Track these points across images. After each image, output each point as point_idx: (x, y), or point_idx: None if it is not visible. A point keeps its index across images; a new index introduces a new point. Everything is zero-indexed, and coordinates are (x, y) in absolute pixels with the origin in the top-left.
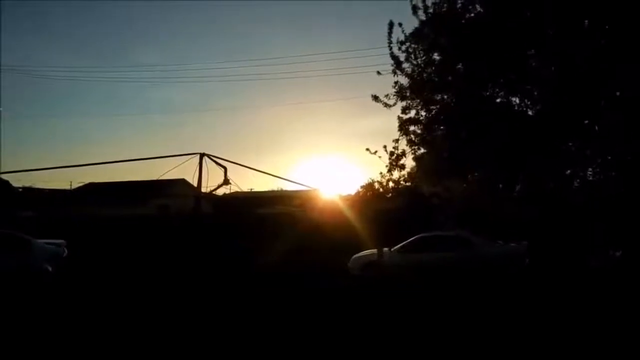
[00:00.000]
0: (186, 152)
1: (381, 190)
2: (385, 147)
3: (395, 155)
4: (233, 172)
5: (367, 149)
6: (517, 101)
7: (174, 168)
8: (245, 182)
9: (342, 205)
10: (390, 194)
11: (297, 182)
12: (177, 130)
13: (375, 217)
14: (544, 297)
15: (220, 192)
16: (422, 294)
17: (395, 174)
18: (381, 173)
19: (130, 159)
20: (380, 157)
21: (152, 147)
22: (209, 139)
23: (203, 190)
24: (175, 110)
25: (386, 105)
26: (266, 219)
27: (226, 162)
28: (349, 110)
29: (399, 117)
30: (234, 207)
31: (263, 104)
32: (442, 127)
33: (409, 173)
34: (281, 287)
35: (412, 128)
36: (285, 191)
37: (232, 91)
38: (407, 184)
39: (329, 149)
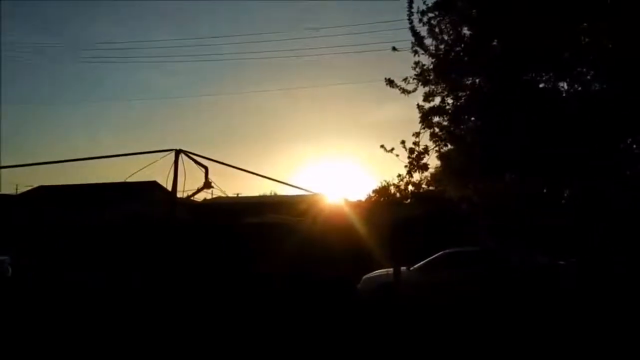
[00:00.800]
0: (159, 149)
1: (398, 195)
2: (403, 143)
3: (415, 152)
4: (217, 174)
5: (382, 146)
6: (566, 87)
7: (144, 168)
8: (232, 185)
9: (349, 213)
10: (409, 200)
11: (296, 185)
12: (154, 121)
13: (391, 227)
14: (599, 324)
15: (201, 197)
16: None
17: (416, 176)
18: (399, 175)
19: (85, 157)
20: (397, 155)
21: (126, 142)
22: (190, 133)
23: (179, 195)
24: (153, 98)
25: (404, 91)
26: (254, 230)
27: (208, 162)
28: (358, 98)
29: (420, 107)
30: (215, 215)
31: (255, 89)
32: (472, 118)
33: (432, 174)
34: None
35: (436, 119)
36: (281, 196)
37: (219, 74)
38: (430, 187)
39: (333, 145)
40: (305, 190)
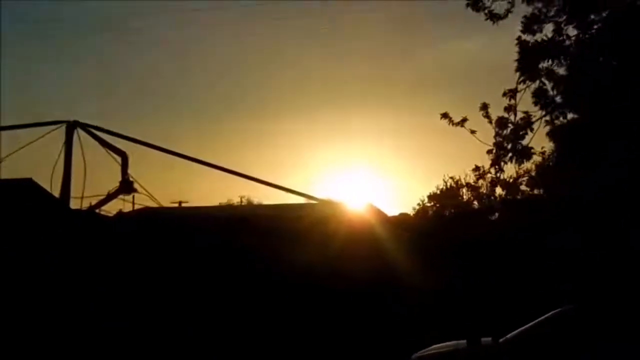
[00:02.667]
0: (43, 121)
1: (475, 203)
2: (485, 108)
3: (509, 126)
4: (145, 168)
5: (445, 116)
6: None
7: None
8: (178, 188)
9: (384, 236)
10: (496, 212)
11: (286, 188)
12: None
13: (461, 262)
14: None
15: (115, 207)
16: None
17: (509, 169)
18: (476, 169)
19: None
20: (473, 132)
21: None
22: (101, 100)
23: (75, 203)
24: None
25: (492, 16)
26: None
27: (126, 144)
28: (401, 29)
29: (520, 42)
30: (139, 242)
31: (216, 14)
32: (615, 62)
33: (539, 166)
34: None
35: (546, 64)
36: (260, 207)
37: None
38: (536, 191)
39: (353, 118)
40: (306, 196)
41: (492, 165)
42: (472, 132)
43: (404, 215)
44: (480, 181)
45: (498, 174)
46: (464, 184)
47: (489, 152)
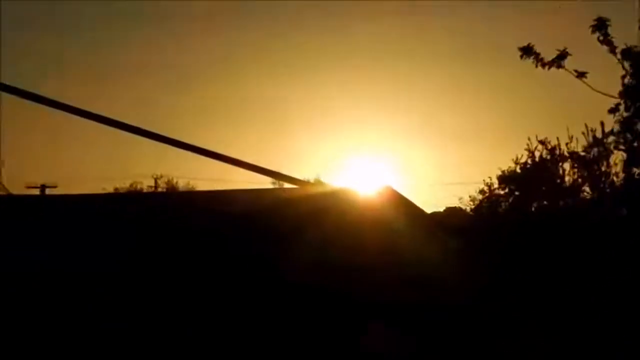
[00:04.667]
0: None
1: (585, 190)
2: (601, 27)
3: None
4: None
5: (527, 51)
6: None
7: None
8: (47, 165)
9: (408, 237)
10: (623, 206)
11: (242, 162)
12: None
13: (553, 291)
14: None
15: None
16: None
17: None
18: (597, 143)
19: None
20: (581, 75)
21: None
22: None
23: None
24: None
25: None
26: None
27: None
28: None
29: None
30: None
31: None
32: None
33: None
34: None
35: None
36: (191, 194)
37: None
38: None
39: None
40: (279, 176)
41: (622, 128)
42: (580, 75)
43: (453, 211)
44: (595, 149)
45: (634, 142)
46: (566, 154)
47: (614, 110)
